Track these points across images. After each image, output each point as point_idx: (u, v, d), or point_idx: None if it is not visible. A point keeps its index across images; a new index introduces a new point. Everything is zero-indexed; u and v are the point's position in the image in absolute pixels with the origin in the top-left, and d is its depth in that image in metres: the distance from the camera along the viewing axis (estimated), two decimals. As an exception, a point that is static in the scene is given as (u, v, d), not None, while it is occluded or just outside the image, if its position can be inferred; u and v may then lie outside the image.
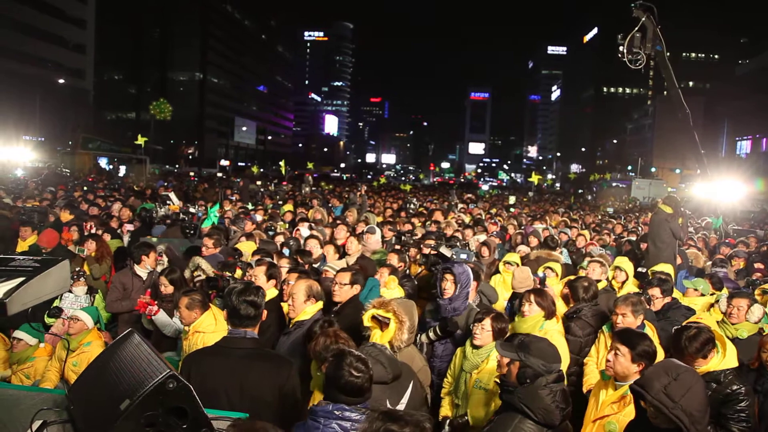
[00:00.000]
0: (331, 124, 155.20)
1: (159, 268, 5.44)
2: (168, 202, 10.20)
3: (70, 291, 5.30)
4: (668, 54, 15.36)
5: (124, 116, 72.51)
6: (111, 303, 5.41)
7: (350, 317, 3.97)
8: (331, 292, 4.35)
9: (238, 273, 4.91)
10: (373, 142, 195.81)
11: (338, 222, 8.87)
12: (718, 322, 4.77)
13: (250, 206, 12.86)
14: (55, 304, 4.65)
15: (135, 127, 60.49)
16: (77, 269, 5.56)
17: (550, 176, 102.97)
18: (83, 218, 8.47)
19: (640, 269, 6.70)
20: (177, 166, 59.12)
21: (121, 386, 1.81)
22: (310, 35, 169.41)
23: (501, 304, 5.45)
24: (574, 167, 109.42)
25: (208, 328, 3.82)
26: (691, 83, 77.61)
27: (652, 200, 35.14)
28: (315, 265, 5.91)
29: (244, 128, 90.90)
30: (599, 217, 18.53)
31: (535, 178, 37.20)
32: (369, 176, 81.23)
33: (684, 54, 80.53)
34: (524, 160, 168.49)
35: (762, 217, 22.27)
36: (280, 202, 14.98)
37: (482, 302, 4.90)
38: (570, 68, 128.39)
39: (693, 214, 17.43)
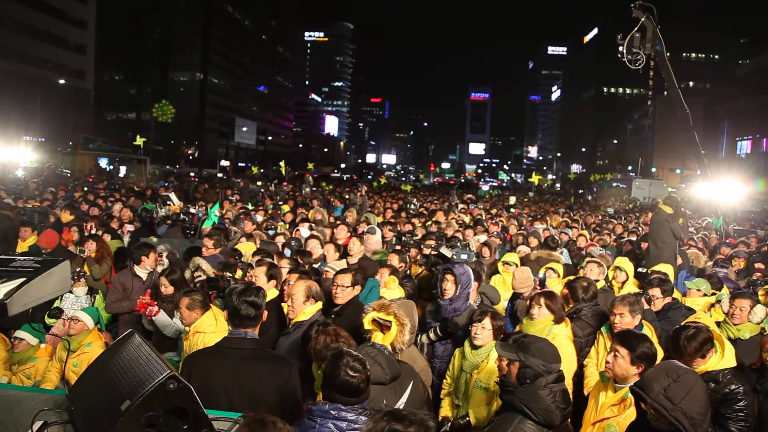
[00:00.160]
0: (331, 125, 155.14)
1: (159, 269, 5.44)
2: (168, 202, 10.20)
3: (71, 292, 5.30)
4: (668, 54, 15.36)
5: (124, 117, 72.53)
6: (111, 304, 5.41)
7: (351, 318, 3.96)
8: (331, 293, 4.35)
9: (239, 273, 4.91)
10: (373, 143, 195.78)
11: (338, 222, 8.87)
12: (719, 322, 4.77)
13: (250, 206, 12.86)
14: (55, 305, 4.65)
15: (135, 127, 60.53)
16: (78, 270, 5.56)
17: (550, 176, 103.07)
18: (84, 219, 8.47)
19: (640, 269, 6.71)
20: (177, 166, 59.10)
21: (121, 387, 1.81)
22: (310, 36, 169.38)
23: (501, 305, 5.45)
24: (575, 167, 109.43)
25: (209, 328, 3.82)
26: (691, 83, 77.59)
27: (652, 200, 35.12)
28: (315, 266, 5.91)
29: (245, 128, 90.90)
30: (599, 217, 18.53)
31: (535, 179, 37.14)
32: (369, 176, 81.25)
33: (684, 54, 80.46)
34: (524, 160, 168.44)
35: (762, 217, 22.27)
36: (281, 203, 14.98)
37: (483, 303, 4.90)
38: (570, 68, 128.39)
39: (693, 214, 17.43)
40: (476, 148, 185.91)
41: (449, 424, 3.50)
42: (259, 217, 10.12)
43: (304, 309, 3.86)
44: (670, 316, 4.82)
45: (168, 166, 55.83)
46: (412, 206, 16.27)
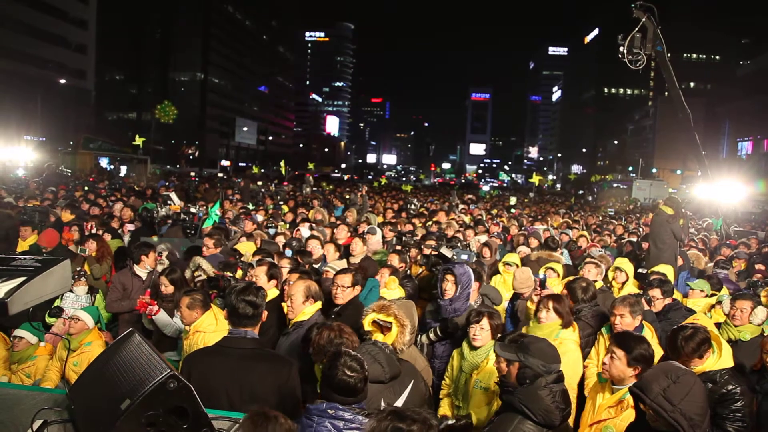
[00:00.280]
0: (332, 125, 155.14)
1: (159, 268, 5.45)
2: (169, 202, 10.20)
3: (71, 291, 5.30)
4: (669, 55, 15.35)
5: (125, 116, 72.62)
6: (111, 303, 5.41)
7: (351, 318, 3.96)
8: (331, 293, 4.35)
9: (239, 273, 4.91)
10: (374, 143, 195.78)
11: (339, 222, 8.87)
12: (720, 323, 4.77)
13: (250, 206, 12.87)
14: (56, 304, 4.66)
15: (136, 127, 60.60)
16: (78, 269, 5.56)
17: (550, 177, 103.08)
18: (84, 218, 8.47)
19: (640, 270, 6.70)
20: (178, 166, 59.12)
21: (121, 386, 1.81)
22: (311, 36, 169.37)
23: (502, 305, 5.44)
24: (575, 168, 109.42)
25: (209, 327, 3.82)
26: (692, 84, 77.51)
27: (653, 201, 35.09)
28: (315, 266, 5.91)
29: (245, 128, 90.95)
30: (600, 218, 18.52)
31: (535, 179, 37.21)
32: (370, 177, 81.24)
33: (685, 55, 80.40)
34: (525, 160, 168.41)
35: (763, 219, 22.25)
36: (281, 203, 14.99)
37: (484, 303, 4.89)
38: (571, 69, 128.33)
39: (694, 215, 17.42)
40: (477, 149, 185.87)
41: (445, 423, 3.49)
42: (260, 217, 10.12)
43: (303, 309, 3.86)
44: (670, 317, 4.82)
45: (168, 166, 55.87)
46: (413, 206, 16.28)
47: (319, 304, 3.93)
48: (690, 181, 44.00)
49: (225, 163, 77.87)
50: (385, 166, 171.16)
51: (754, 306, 4.61)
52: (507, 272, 6.33)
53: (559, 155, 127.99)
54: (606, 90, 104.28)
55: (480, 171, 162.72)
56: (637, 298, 4.29)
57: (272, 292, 4.39)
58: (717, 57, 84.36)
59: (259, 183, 26.92)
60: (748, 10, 68.62)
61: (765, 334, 4.37)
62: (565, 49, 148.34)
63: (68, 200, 11.17)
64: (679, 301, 5.33)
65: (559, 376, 2.60)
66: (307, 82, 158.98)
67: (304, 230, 7.71)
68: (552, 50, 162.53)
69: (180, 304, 3.92)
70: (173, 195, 11.09)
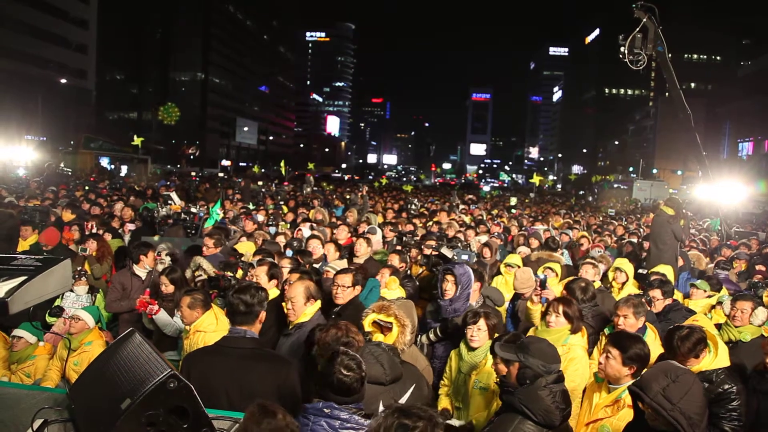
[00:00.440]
0: (332, 125, 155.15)
1: (159, 268, 5.45)
2: (170, 201, 10.20)
3: (72, 290, 5.31)
4: (670, 55, 15.32)
5: (125, 116, 72.66)
6: (110, 303, 5.42)
7: (351, 318, 3.95)
8: (332, 293, 4.35)
9: (239, 273, 4.91)
10: (374, 143, 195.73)
11: (339, 222, 8.87)
12: (720, 324, 4.77)
13: (251, 206, 12.87)
14: (56, 304, 4.66)
15: (137, 127, 60.61)
16: (78, 268, 5.57)
17: (551, 177, 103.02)
18: (85, 218, 8.48)
19: (641, 271, 6.70)
20: (179, 165, 59.14)
21: (122, 385, 1.81)
22: (311, 36, 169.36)
23: (503, 306, 5.44)
24: (576, 168, 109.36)
25: (209, 327, 3.83)
26: (692, 84, 77.41)
27: (653, 202, 35.09)
28: (316, 266, 5.91)
29: (246, 128, 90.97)
30: (600, 218, 18.52)
31: (536, 179, 37.18)
32: (370, 177, 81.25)
33: (686, 55, 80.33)
34: (525, 161, 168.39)
35: (763, 219, 22.25)
36: (282, 203, 14.99)
37: (486, 304, 4.89)
38: (571, 69, 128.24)
39: (695, 215, 17.40)
40: (477, 149, 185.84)
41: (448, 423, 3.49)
42: (261, 217, 10.12)
43: (305, 310, 3.86)
44: (670, 318, 4.81)
45: (169, 166, 55.92)
46: (413, 207, 16.29)
47: (318, 303, 3.93)
48: (690, 182, 44.00)
49: (225, 163, 77.90)
50: (385, 167, 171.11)
51: (754, 307, 4.61)
52: (509, 274, 6.32)
53: (560, 155, 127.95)
54: (607, 90, 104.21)
55: (480, 171, 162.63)
56: (641, 300, 4.29)
57: (273, 292, 4.39)
58: (718, 57, 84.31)
59: (260, 183, 26.93)
60: (749, 11, 68.65)
61: (766, 336, 4.37)
62: (566, 49, 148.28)
63: (69, 200, 11.18)
64: (679, 302, 5.33)
65: (560, 376, 2.60)
66: (308, 82, 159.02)
67: (306, 230, 7.71)
68: (552, 50, 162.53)
69: (181, 304, 3.92)
70: (174, 195, 11.09)
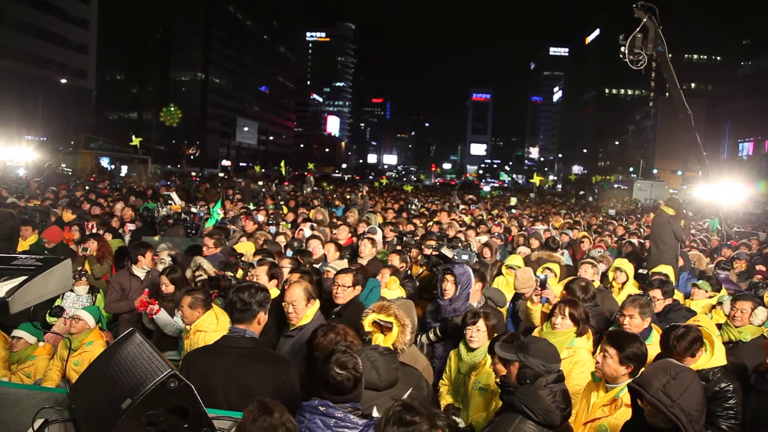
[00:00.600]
0: (332, 125, 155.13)
1: (159, 267, 5.45)
2: (170, 201, 10.21)
3: (72, 290, 5.30)
4: (670, 55, 15.31)
5: (126, 116, 72.68)
6: (110, 304, 5.41)
7: (351, 318, 3.96)
8: (332, 293, 4.34)
9: (240, 273, 4.91)
10: (374, 143, 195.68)
11: (339, 222, 8.88)
12: (720, 324, 4.77)
13: (251, 206, 12.87)
14: (56, 304, 4.66)
15: (137, 127, 60.62)
16: (79, 268, 5.57)
17: (551, 177, 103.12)
18: (85, 218, 8.48)
19: (641, 271, 6.70)
20: (179, 166, 59.17)
21: (122, 385, 1.81)
22: (311, 36, 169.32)
23: (504, 307, 5.44)
24: (576, 168, 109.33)
25: (210, 327, 3.83)
26: (693, 85, 77.39)
27: (653, 202, 35.09)
28: (316, 266, 5.91)
29: (246, 128, 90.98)
30: (600, 219, 18.52)
31: (536, 180, 37.19)
32: (370, 177, 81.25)
33: (686, 55, 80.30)
34: (526, 161, 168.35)
35: (764, 220, 22.25)
36: (282, 203, 14.99)
37: (487, 305, 4.89)
38: (572, 69, 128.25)
39: (695, 216, 17.39)
40: (477, 149, 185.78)
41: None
42: (261, 217, 10.12)
43: (306, 312, 3.84)
44: (670, 318, 4.81)
45: (169, 166, 55.93)
46: (414, 207, 16.29)
47: (317, 303, 3.93)
48: (691, 182, 43.98)
49: (226, 163, 77.88)
50: (385, 167, 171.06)
51: (754, 307, 4.61)
52: (510, 275, 6.31)
53: (560, 156, 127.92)
54: (607, 90, 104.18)
55: (481, 171, 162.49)
56: (647, 300, 4.27)
57: (273, 292, 4.38)
58: (718, 58, 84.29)
59: (260, 183, 26.95)
60: (749, 11, 68.53)
61: (766, 336, 4.37)
62: (566, 49, 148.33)
63: (69, 200, 11.18)
64: (679, 302, 5.33)
65: (560, 376, 2.60)
66: (308, 82, 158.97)
67: (307, 230, 7.71)
68: (553, 51, 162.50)
69: (181, 304, 3.93)
70: (174, 195, 11.10)
